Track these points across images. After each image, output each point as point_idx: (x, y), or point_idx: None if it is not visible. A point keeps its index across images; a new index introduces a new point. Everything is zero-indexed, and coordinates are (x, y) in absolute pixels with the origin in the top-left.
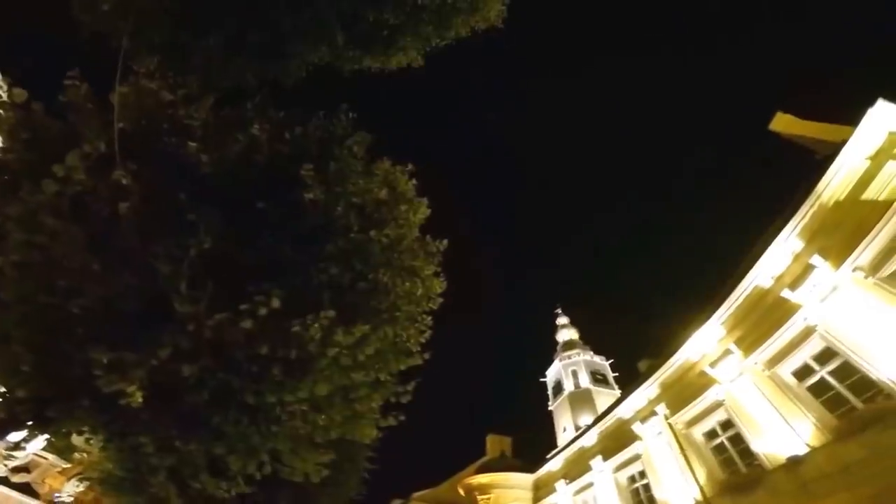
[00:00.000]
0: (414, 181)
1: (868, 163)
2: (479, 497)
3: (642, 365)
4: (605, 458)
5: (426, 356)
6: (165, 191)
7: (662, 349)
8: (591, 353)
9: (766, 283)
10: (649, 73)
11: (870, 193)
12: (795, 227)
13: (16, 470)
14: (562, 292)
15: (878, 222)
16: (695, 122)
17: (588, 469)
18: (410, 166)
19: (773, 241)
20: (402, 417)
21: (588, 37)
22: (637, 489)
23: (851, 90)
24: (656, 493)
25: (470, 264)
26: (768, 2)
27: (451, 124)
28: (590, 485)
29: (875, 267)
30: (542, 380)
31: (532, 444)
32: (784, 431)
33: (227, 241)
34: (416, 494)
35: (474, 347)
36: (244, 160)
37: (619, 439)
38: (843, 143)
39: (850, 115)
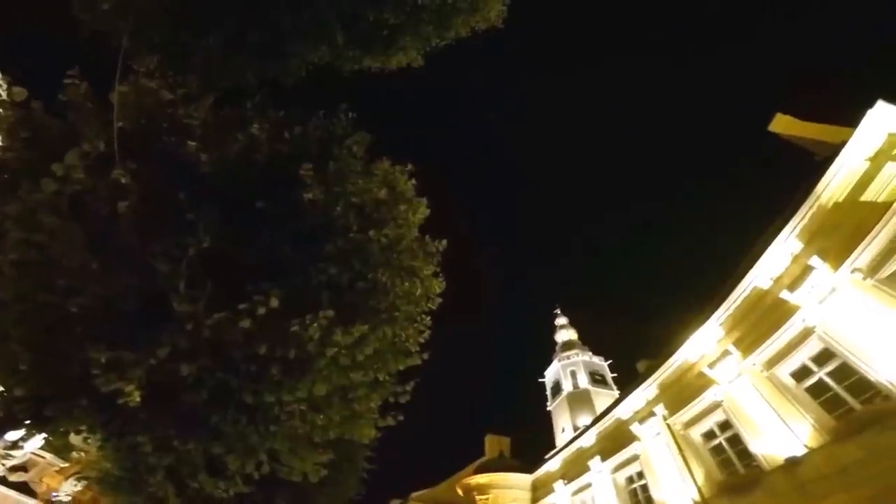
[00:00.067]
0: (413, 181)
1: (867, 164)
2: (477, 497)
3: (641, 365)
4: (604, 459)
5: (425, 356)
6: (165, 190)
7: (661, 350)
8: (590, 353)
9: (765, 284)
10: (649, 74)
11: (869, 195)
12: (794, 229)
13: (13, 469)
14: (561, 292)
15: (876, 224)
16: (695, 123)
17: (586, 469)
18: (410, 166)
19: (772, 242)
20: (401, 417)
21: (588, 37)
22: (635, 490)
23: (851, 91)
24: (654, 493)
25: (470, 264)
26: (768, 2)
27: (451, 124)
28: (588, 485)
29: (874, 268)
30: (540, 380)
31: (531, 445)
32: (782, 432)
33: (226, 240)
34: (415, 494)
35: (473, 348)
36: (243, 160)
37: (617, 440)
38: (843, 144)
39: (850, 117)
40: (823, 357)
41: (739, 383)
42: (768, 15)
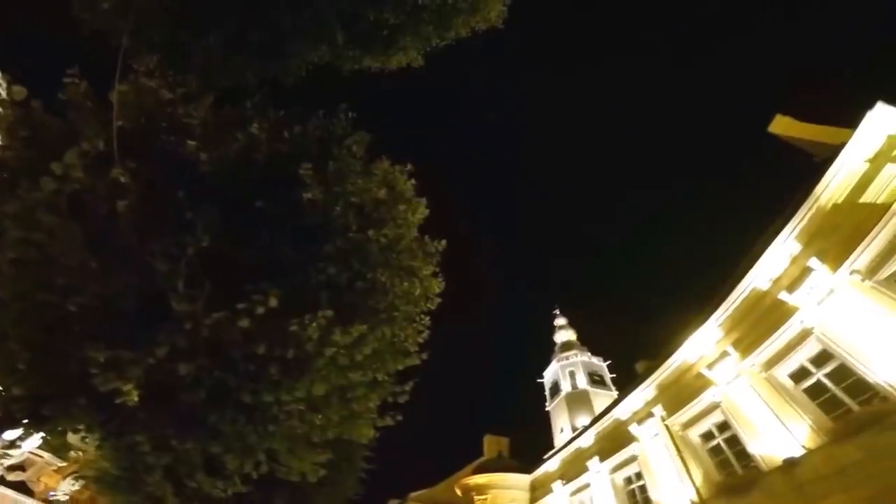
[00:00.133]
0: (413, 181)
1: (867, 165)
2: (475, 497)
3: (639, 366)
4: (602, 459)
5: (424, 356)
6: (164, 189)
7: (659, 351)
8: (589, 354)
9: (764, 285)
10: (649, 74)
11: (868, 196)
12: (793, 230)
13: (11, 468)
14: (560, 293)
15: (875, 225)
16: (695, 123)
17: (585, 470)
18: (409, 166)
19: (771, 243)
20: (400, 417)
21: (588, 37)
22: (633, 490)
23: (851, 92)
24: (652, 494)
25: (469, 264)
26: (768, 2)
27: (451, 124)
28: (586, 486)
29: (872, 270)
30: (539, 381)
31: (529, 445)
32: (780, 433)
33: (226, 239)
34: (413, 494)
35: (472, 348)
36: (243, 159)
37: (615, 440)
38: (842, 145)
39: (850, 118)
40: (822, 358)
41: (738, 384)
42: (768, 15)
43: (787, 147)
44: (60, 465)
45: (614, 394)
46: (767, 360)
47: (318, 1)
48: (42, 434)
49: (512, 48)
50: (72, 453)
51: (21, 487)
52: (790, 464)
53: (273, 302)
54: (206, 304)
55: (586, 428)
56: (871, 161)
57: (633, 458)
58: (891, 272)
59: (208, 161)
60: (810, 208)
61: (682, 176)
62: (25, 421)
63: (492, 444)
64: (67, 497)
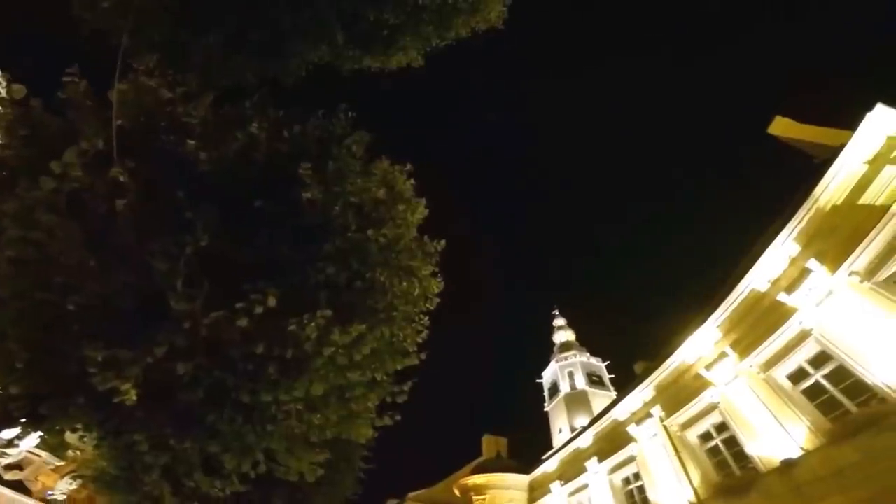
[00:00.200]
0: (412, 181)
1: (866, 167)
2: (474, 497)
3: (638, 367)
4: (600, 460)
5: (423, 356)
6: (163, 188)
7: (658, 351)
8: (588, 354)
9: (763, 286)
10: (650, 74)
11: (867, 198)
12: (792, 231)
13: (8, 467)
14: (559, 293)
15: (874, 227)
16: (695, 124)
17: (583, 470)
18: (409, 166)
19: (769, 244)
20: (398, 417)
21: (588, 38)
22: (631, 491)
23: (850, 93)
24: (650, 495)
25: (469, 264)
26: (768, 2)
27: (451, 124)
28: (584, 486)
29: (871, 271)
30: (538, 381)
31: (528, 445)
32: (778, 434)
33: (225, 239)
34: (412, 494)
35: (471, 348)
36: (243, 158)
37: (614, 441)
38: (842, 147)
39: (849, 119)
40: (820, 359)
41: (736, 385)
42: (768, 15)
43: (786, 148)
44: (58, 464)
45: (613, 394)
46: (766, 361)
47: (318, 1)
48: (40, 433)
49: (512, 48)
50: (69, 452)
51: (18, 486)
52: (788, 465)
53: (272, 301)
54: (204, 304)
55: (585, 428)
56: (871, 162)
57: (631, 459)
58: (889, 274)
59: (208, 160)
60: (809, 210)
61: (682, 176)
62: (23, 420)
63: (490, 445)
64: (65, 496)
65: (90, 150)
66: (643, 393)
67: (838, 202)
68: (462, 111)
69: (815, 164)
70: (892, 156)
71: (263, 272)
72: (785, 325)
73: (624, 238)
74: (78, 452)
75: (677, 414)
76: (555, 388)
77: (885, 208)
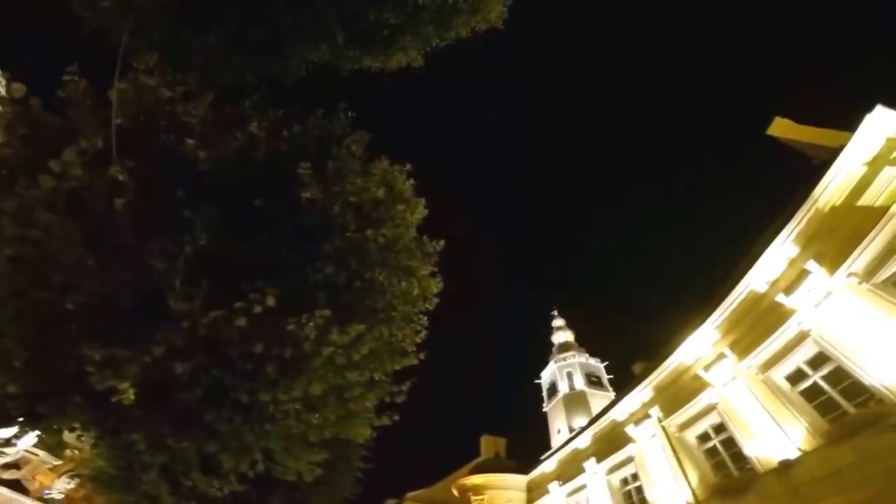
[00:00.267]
0: (412, 181)
1: (865, 168)
2: (472, 498)
3: (636, 367)
4: (599, 461)
5: (421, 356)
6: (162, 187)
7: (657, 352)
8: (587, 355)
9: (761, 287)
10: (650, 74)
11: (866, 199)
12: (791, 233)
13: (6, 466)
14: (559, 293)
15: (873, 228)
16: (695, 124)
17: (581, 471)
18: (408, 166)
19: (768, 245)
20: (397, 417)
21: (588, 37)
22: (629, 491)
23: (850, 93)
24: (649, 495)
25: (468, 264)
26: (768, 2)
27: (450, 124)
28: (583, 487)
29: (869, 273)
30: (536, 381)
31: (526, 446)
32: (776, 435)
33: (224, 238)
34: (410, 494)
35: (471, 348)
36: (242, 158)
37: (612, 441)
38: (841, 148)
39: (849, 121)
40: (818, 361)
41: (734, 386)
42: (768, 15)
43: (786, 149)
44: (56, 463)
45: (611, 395)
46: (764, 362)
47: (318, 1)
48: (37, 432)
49: (512, 48)
50: (67, 451)
51: (16, 486)
52: (785, 466)
53: (270, 301)
54: (203, 303)
55: (583, 429)
56: (870, 164)
57: (629, 460)
58: (888, 275)
59: (207, 159)
60: (808, 211)
61: (682, 176)
62: (21, 419)
63: (489, 445)
64: (62, 495)
65: (89, 149)
66: (642, 393)
67: (837, 203)
68: (462, 111)
69: (815, 165)
70: (892, 157)
71: (262, 271)
72: (783, 327)
73: (623, 238)
74: (76, 451)
75: (676, 414)
76: (553, 389)
77: (883, 210)
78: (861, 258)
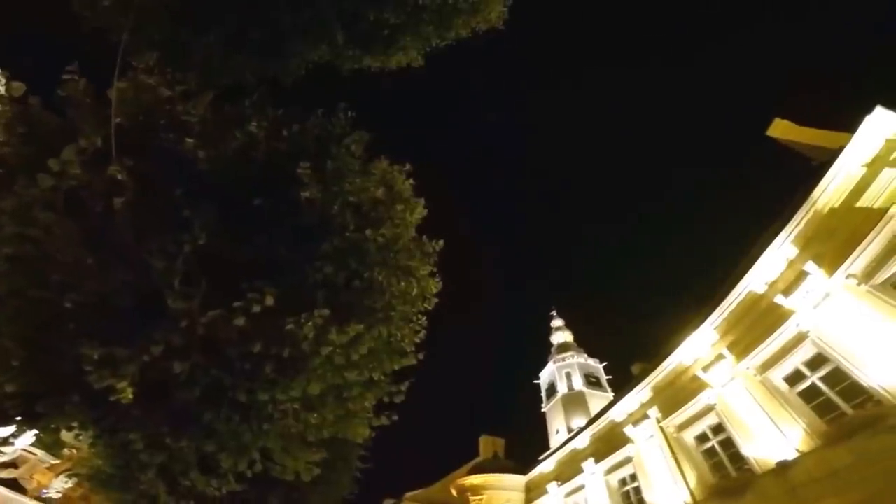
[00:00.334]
0: (411, 181)
1: (864, 170)
2: (471, 498)
3: (635, 368)
4: (597, 461)
5: (420, 356)
6: (161, 187)
7: (656, 352)
8: (585, 355)
9: (760, 288)
10: (650, 75)
11: (865, 201)
12: (790, 234)
13: (3, 465)
14: (558, 293)
15: (872, 230)
16: (695, 124)
17: (580, 471)
18: (408, 166)
19: (767, 246)
20: (396, 417)
21: (588, 37)
22: (628, 492)
23: (850, 94)
24: (647, 496)
25: (468, 264)
26: (768, 2)
27: (450, 124)
28: (581, 487)
29: (868, 274)
30: (535, 382)
31: (525, 446)
32: (774, 436)
33: (223, 237)
34: (409, 494)
35: (470, 348)
36: (241, 157)
37: (610, 442)
38: (841, 149)
39: (848, 122)
40: (816, 362)
41: (733, 387)
42: (768, 15)
43: (785, 150)
44: (53, 462)
45: (610, 395)
46: (763, 363)
47: (318, 1)
48: (35, 431)
49: (512, 48)
50: (65, 451)
51: (13, 485)
52: (783, 467)
53: (269, 300)
54: (202, 302)
55: (582, 429)
56: (869, 165)
57: (627, 460)
58: (886, 277)
59: (206, 159)
60: (807, 212)
61: (681, 177)
62: (18, 418)
63: (488, 445)
64: (60, 495)
65: (89, 148)
66: (640, 394)
67: (836, 205)
68: (462, 111)
69: (814, 166)
70: (891, 158)
71: (261, 271)
72: (782, 328)
73: (623, 239)
74: (73, 451)
75: (674, 415)
76: (552, 389)
77: (882, 211)
78: (860, 260)
